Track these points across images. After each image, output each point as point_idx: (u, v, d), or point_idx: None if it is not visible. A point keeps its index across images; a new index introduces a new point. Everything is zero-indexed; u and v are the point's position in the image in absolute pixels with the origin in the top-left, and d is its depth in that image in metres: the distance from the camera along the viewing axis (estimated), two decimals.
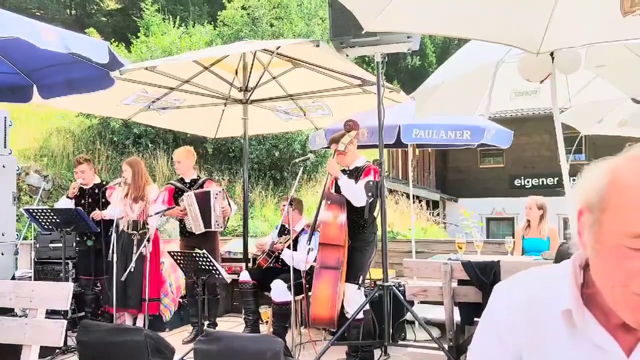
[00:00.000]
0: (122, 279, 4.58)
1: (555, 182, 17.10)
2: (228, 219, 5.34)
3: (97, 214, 5.19)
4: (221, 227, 5.15)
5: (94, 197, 5.40)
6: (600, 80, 4.31)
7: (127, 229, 5.09)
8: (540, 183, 18.23)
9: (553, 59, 3.48)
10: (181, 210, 5.08)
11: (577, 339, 0.91)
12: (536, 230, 5.16)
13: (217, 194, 5.04)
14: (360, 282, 4.10)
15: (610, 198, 0.85)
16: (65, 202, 5.43)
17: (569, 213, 3.99)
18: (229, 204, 5.15)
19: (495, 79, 4.25)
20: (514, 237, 5.10)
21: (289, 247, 4.62)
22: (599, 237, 0.86)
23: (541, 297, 0.96)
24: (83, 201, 5.42)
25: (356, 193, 4.06)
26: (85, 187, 5.47)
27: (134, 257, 4.71)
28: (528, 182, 18.65)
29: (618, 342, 0.88)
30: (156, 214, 4.94)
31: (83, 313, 5.43)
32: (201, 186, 5.20)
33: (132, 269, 4.62)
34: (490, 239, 8.82)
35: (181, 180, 5.34)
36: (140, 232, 4.99)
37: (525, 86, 4.53)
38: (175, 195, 5.22)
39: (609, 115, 5.49)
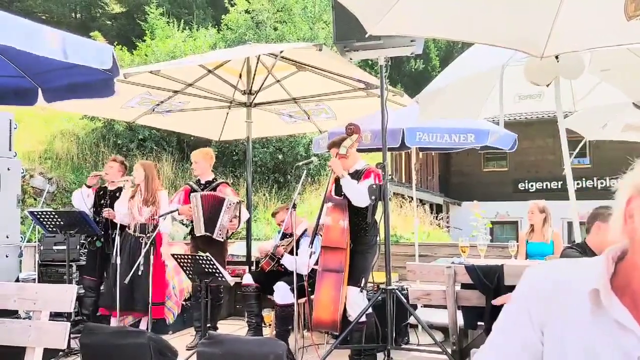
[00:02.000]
0: (125, 281, 4.56)
1: (560, 186, 17.06)
2: (233, 232, 5.29)
3: (111, 213, 5.19)
4: (223, 238, 5.06)
5: (115, 199, 5.34)
6: (605, 84, 4.31)
7: (134, 232, 5.07)
8: (544, 187, 18.20)
9: (558, 62, 3.49)
10: (189, 210, 5.07)
11: (598, 318, 0.96)
12: (540, 234, 5.15)
13: (229, 205, 4.98)
14: (362, 285, 4.09)
15: None
16: (82, 192, 5.43)
17: (573, 217, 3.98)
18: (238, 216, 5.08)
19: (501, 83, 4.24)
20: (517, 241, 5.08)
21: (290, 252, 4.61)
22: None
23: (569, 279, 1.02)
24: (103, 201, 5.42)
25: (358, 192, 4.04)
26: (109, 188, 5.47)
27: (141, 260, 4.66)
28: (532, 185, 18.61)
29: None
30: (161, 215, 4.94)
31: (80, 317, 5.36)
32: (214, 189, 5.17)
33: (140, 272, 4.60)
34: (494, 242, 8.78)
35: (198, 181, 5.33)
36: (147, 235, 4.97)
37: (529, 90, 4.53)
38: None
39: (613, 120, 5.48)
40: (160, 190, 5.20)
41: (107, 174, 5.43)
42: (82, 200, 5.34)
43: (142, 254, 4.73)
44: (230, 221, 5.02)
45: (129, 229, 5.09)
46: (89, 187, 5.43)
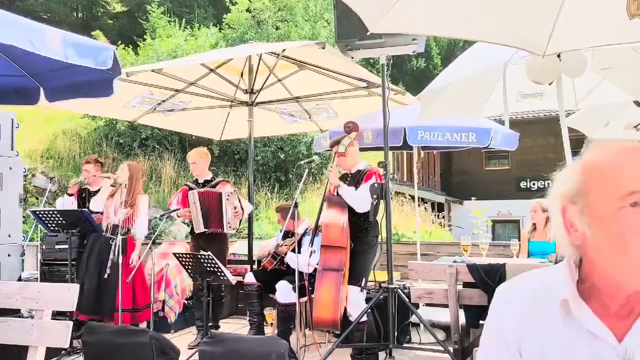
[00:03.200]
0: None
1: None
2: (241, 220, 5.28)
3: (100, 218, 5.16)
4: (233, 228, 5.06)
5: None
6: (607, 83, 4.30)
7: (106, 232, 4.93)
8: (546, 185, 17.93)
9: (560, 60, 3.48)
10: (188, 212, 5.06)
11: (572, 327, 0.97)
12: (542, 233, 5.14)
13: (227, 197, 4.97)
14: (362, 284, 4.09)
15: (589, 180, 0.94)
16: (64, 201, 5.42)
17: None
18: (241, 205, 5.09)
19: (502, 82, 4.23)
20: (519, 240, 5.07)
21: (293, 250, 4.61)
22: (595, 215, 0.92)
23: (540, 290, 1.03)
24: (87, 204, 5.41)
25: (357, 198, 4.04)
26: (91, 189, 5.46)
27: (108, 263, 4.59)
28: (534, 184, 18.58)
29: (612, 329, 0.95)
30: (162, 215, 4.93)
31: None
32: (214, 187, 5.15)
33: (106, 276, 4.53)
34: (496, 241, 8.78)
35: (195, 181, 5.31)
36: (120, 237, 4.81)
37: (530, 88, 4.52)
38: None
39: (615, 118, 5.47)
40: (141, 194, 5.08)
41: (85, 178, 5.42)
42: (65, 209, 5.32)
43: (111, 256, 4.64)
44: (235, 209, 5.01)
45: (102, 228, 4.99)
46: (70, 195, 5.42)
